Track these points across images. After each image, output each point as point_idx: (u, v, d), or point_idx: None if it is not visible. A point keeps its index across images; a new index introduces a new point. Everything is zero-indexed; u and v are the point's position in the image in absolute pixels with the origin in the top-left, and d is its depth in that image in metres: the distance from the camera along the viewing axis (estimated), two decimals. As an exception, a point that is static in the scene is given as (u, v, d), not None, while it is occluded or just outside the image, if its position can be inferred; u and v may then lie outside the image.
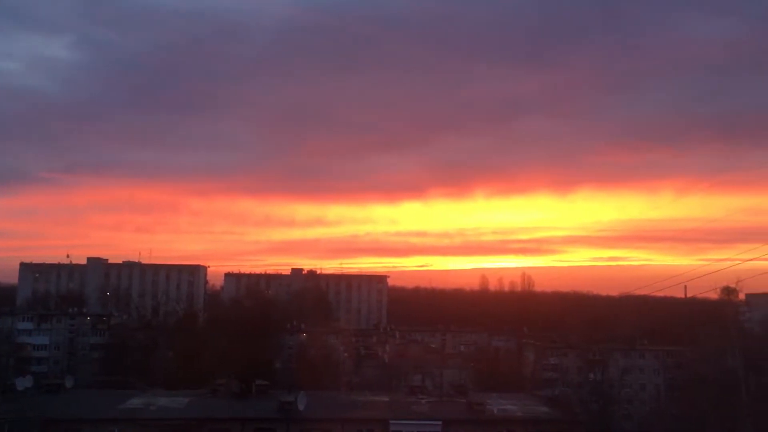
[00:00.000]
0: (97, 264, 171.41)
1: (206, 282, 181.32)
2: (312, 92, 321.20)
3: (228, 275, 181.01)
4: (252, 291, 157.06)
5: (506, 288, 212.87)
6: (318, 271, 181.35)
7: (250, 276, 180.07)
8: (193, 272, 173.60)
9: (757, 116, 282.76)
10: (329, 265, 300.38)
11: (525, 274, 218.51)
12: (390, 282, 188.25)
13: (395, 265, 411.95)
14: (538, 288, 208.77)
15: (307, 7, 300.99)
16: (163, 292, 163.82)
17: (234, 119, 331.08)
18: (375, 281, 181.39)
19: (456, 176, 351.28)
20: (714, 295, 78.94)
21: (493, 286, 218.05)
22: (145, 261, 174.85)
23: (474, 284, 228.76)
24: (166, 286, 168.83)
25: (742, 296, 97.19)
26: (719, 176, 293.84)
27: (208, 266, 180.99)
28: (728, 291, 77.11)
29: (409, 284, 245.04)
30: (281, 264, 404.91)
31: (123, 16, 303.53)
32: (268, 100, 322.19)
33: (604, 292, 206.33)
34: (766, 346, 79.09)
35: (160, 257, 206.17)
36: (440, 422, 46.85)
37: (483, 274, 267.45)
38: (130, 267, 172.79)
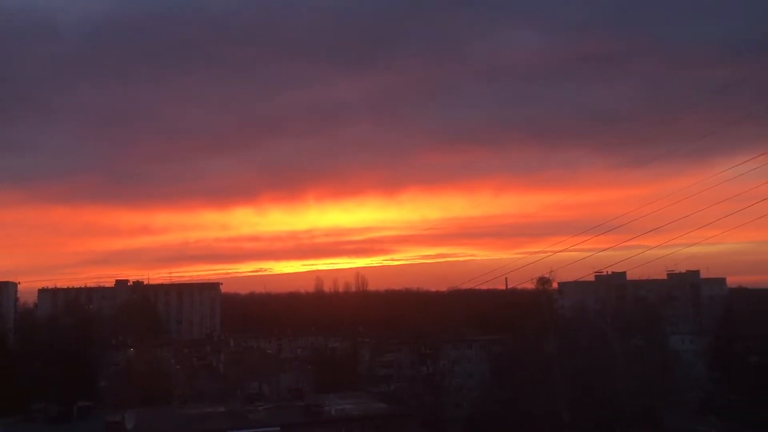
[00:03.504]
0: None
1: (17, 299, 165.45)
2: (133, 94, 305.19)
3: (42, 291, 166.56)
4: (71, 306, 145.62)
5: (341, 289, 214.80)
6: (145, 282, 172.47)
7: (68, 290, 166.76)
8: (0, 289, 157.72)
9: (562, 120, 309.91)
10: (158, 275, 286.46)
11: (359, 274, 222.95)
12: (224, 289, 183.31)
13: (229, 271, 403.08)
14: (371, 287, 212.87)
15: (122, 6, 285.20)
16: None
17: (45, 123, 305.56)
18: (207, 289, 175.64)
19: (287, 180, 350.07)
20: (531, 285, 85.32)
21: (328, 287, 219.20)
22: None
23: (309, 287, 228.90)
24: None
25: (555, 285, 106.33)
26: (532, 175, 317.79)
27: (19, 282, 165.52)
28: (543, 281, 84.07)
29: (244, 290, 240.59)
30: (105, 276, 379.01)
31: None
32: (84, 102, 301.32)
33: (433, 288, 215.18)
34: (577, 329, 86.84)
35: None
36: (278, 428, 46.55)
37: (318, 276, 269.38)
38: None
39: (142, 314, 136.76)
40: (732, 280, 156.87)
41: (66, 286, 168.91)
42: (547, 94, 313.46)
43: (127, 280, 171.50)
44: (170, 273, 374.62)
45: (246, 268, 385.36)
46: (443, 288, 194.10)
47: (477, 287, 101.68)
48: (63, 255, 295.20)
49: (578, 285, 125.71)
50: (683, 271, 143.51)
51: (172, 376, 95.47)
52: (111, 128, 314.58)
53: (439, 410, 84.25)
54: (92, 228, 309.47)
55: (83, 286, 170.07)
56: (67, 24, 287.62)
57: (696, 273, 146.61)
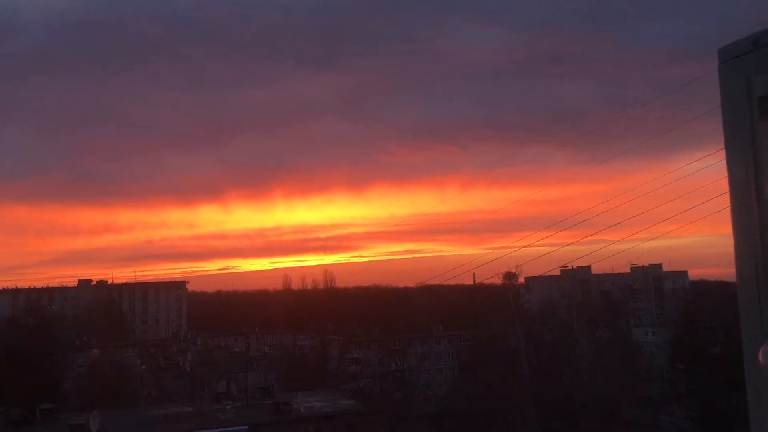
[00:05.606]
0: None
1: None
2: (96, 92, 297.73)
3: (2, 292, 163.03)
4: (32, 307, 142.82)
5: (309, 286, 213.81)
6: (109, 281, 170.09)
7: (29, 291, 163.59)
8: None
9: (526, 118, 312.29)
10: (122, 274, 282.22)
11: (327, 271, 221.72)
12: (190, 287, 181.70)
13: (195, 269, 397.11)
14: (340, 284, 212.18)
15: (83, 3, 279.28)
16: None
17: (4, 122, 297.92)
18: (173, 288, 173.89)
19: (253, 177, 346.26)
20: (498, 281, 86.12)
21: (296, 285, 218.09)
22: None
23: (277, 284, 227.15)
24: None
25: (522, 280, 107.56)
26: (498, 172, 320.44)
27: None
28: (509, 276, 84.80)
29: (211, 289, 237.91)
30: (67, 276, 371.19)
31: None
32: (45, 100, 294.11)
33: (402, 284, 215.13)
34: (544, 323, 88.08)
35: None
36: (245, 427, 46.40)
37: (286, 274, 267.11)
38: None
39: (106, 314, 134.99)
40: (693, 273, 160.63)
41: (27, 287, 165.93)
42: (511, 92, 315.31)
43: (91, 280, 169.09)
44: (135, 272, 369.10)
45: (212, 267, 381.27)
46: (411, 284, 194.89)
47: (445, 283, 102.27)
48: (24, 255, 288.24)
49: (544, 279, 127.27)
50: (646, 264, 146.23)
51: (138, 376, 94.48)
52: (73, 126, 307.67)
53: (409, 406, 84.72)
54: (54, 227, 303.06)
55: (45, 287, 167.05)
56: (27, 21, 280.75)
57: (659, 266, 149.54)
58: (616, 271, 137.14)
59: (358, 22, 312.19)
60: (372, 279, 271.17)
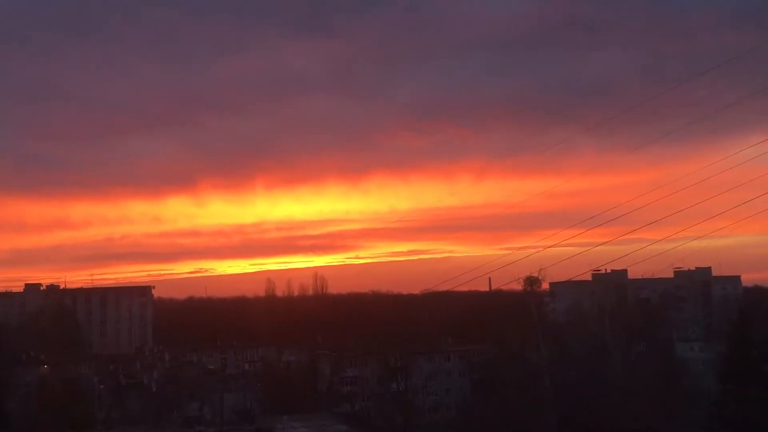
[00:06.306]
0: None
1: None
2: (43, 63, 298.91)
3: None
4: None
5: (296, 292, 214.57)
6: (61, 286, 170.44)
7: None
8: None
9: (548, 95, 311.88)
10: (77, 278, 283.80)
11: (317, 275, 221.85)
12: (156, 293, 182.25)
13: (163, 272, 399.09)
14: (332, 290, 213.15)
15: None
16: None
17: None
18: (136, 293, 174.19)
19: (231, 163, 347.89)
20: (518, 287, 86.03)
21: (281, 290, 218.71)
22: None
23: (259, 290, 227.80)
24: None
25: (546, 285, 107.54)
26: (517, 159, 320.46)
27: None
28: (531, 281, 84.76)
29: (181, 295, 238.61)
30: (12, 279, 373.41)
31: None
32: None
33: (404, 290, 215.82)
34: (571, 336, 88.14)
35: None
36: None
37: (269, 278, 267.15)
38: None
39: (57, 324, 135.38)
40: (747, 278, 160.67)
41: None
42: (532, 65, 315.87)
43: (40, 284, 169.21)
44: (92, 275, 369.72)
45: (183, 269, 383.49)
46: (416, 290, 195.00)
47: (455, 289, 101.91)
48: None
49: (572, 285, 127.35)
50: (692, 268, 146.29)
51: (95, 397, 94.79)
52: (18, 105, 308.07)
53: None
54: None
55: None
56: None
57: (707, 270, 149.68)
58: (656, 276, 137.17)
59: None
60: (370, 284, 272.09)
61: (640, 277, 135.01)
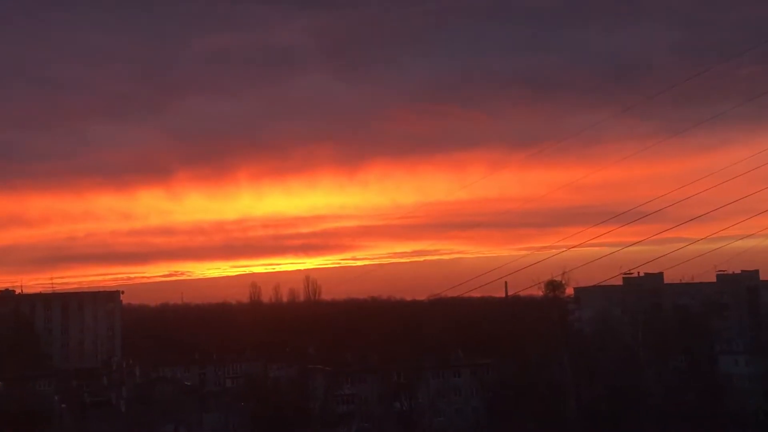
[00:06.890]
0: None
1: None
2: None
3: None
4: None
5: (285, 298, 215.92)
6: (17, 291, 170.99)
7: None
8: None
9: (574, 74, 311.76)
10: (35, 282, 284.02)
11: (309, 279, 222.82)
12: (126, 299, 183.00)
13: (133, 275, 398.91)
14: (326, 296, 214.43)
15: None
16: None
17: None
18: (103, 299, 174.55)
19: (210, 152, 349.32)
20: (538, 292, 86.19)
21: (267, 296, 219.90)
22: None
23: (243, 295, 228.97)
24: None
25: (570, 290, 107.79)
26: (536, 145, 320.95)
27: None
28: (553, 286, 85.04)
29: (154, 301, 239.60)
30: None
31: None
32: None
33: (409, 296, 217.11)
34: (599, 348, 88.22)
35: None
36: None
37: (254, 282, 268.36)
38: None
39: (12, 334, 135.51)
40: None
41: None
42: (554, 40, 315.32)
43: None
44: (52, 279, 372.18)
45: (156, 272, 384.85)
46: (422, 296, 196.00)
47: (466, 295, 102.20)
48: None
49: (600, 291, 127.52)
50: (737, 271, 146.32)
51: (56, 417, 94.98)
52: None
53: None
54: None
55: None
56: None
57: (754, 273, 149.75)
58: (696, 280, 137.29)
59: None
60: (369, 289, 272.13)
61: (678, 281, 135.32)
